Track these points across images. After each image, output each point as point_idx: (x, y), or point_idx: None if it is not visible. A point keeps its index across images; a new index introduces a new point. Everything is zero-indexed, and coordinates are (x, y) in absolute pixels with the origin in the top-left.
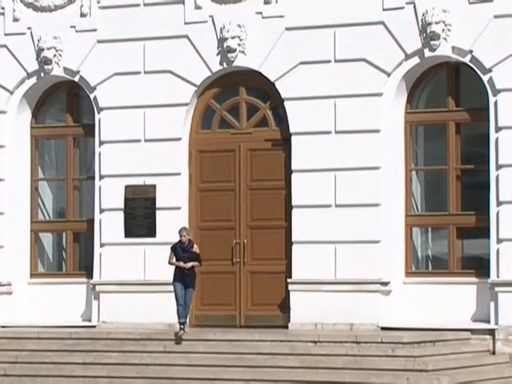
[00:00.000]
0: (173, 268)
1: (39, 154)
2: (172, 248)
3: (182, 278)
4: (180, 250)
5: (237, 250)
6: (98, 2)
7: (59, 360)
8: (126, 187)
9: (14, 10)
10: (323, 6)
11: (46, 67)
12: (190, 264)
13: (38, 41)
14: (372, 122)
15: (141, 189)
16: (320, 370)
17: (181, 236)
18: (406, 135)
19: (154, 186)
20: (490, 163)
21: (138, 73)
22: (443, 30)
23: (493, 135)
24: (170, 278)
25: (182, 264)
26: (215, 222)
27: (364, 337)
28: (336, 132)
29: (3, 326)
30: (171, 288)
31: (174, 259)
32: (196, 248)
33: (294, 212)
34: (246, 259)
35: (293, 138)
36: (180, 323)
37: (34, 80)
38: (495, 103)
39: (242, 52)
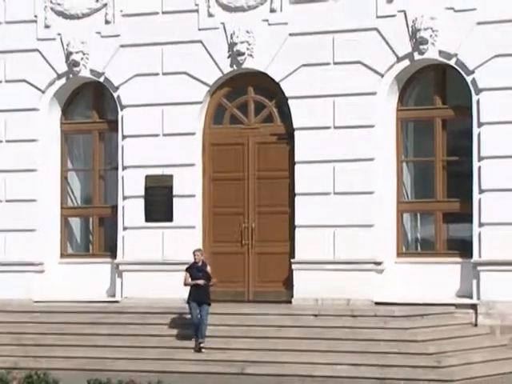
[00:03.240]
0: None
1: (68, 147)
2: (187, 269)
3: (197, 297)
4: (195, 270)
5: (245, 233)
6: (121, 11)
7: (86, 331)
8: (146, 177)
9: (46, 18)
10: (323, 15)
11: (74, 69)
12: (201, 281)
13: (67, 45)
14: (367, 119)
15: (159, 178)
16: (320, 341)
17: (195, 256)
18: (397, 130)
19: (171, 176)
20: (472, 155)
21: (157, 74)
22: (431, 36)
23: (475, 130)
24: (186, 258)
25: (198, 282)
26: (226, 208)
27: (360, 311)
28: (335, 127)
29: (36, 301)
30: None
31: (190, 279)
32: (209, 269)
33: (297, 199)
34: (254, 241)
35: (296, 133)
36: (199, 342)
37: (63, 81)
38: (477, 101)
39: (250, 55)
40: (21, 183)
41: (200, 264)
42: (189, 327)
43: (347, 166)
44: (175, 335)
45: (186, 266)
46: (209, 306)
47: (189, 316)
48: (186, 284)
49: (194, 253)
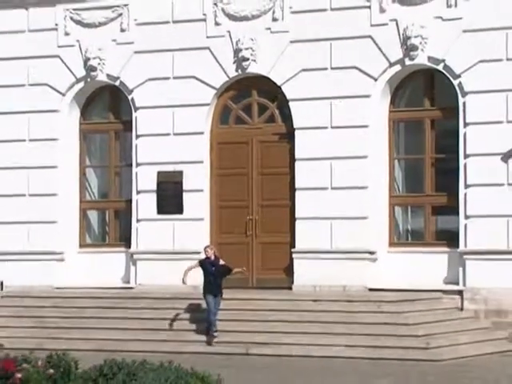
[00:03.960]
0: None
1: (86, 145)
2: (200, 262)
3: (212, 289)
4: (209, 265)
5: (249, 225)
6: (135, 20)
7: (103, 315)
8: (158, 173)
9: (66, 27)
10: (321, 23)
11: (91, 73)
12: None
13: (85, 52)
14: (361, 119)
15: (170, 174)
16: (318, 324)
17: (206, 252)
18: (389, 130)
19: (181, 172)
20: (458, 153)
21: (168, 78)
22: (420, 43)
23: (461, 130)
24: (195, 247)
25: (190, 266)
26: (232, 201)
27: (355, 296)
28: (332, 127)
29: (57, 288)
30: (196, 256)
31: (192, 267)
32: (222, 262)
33: (297, 193)
34: (257, 232)
35: (296, 132)
36: (214, 331)
37: (81, 84)
38: (464, 103)
39: (254, 61)
40: (43, 179)
41: (212, 258)
42: (197, 311)
43: (343, 163)
44: (185, 319)
45: (199, 260)
46: (221, 297)
47: (198, 301)
48: (185, 271)
49: (204, 249)
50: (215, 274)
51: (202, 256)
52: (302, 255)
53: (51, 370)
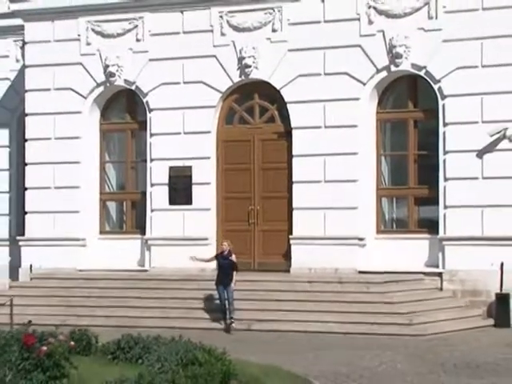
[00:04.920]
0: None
1: (106, 143)
2: (216, 256)
3: (222, 280)
4: (221, 259)
5: (251, 214)
6: (149, 31)
7: (121, 295)
8: (170, 168)
9: (87, 37)
10: (315, 34)
11: (110, 79)
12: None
13: (105, 59)
14: (352, 120)
15: (180, 169)
16: (313, 303)
17: (222, 246)
18: (376, 129)
19: (190, 167)
20: (439, 150)
21: (179, 83)
22: (404, 51)
23: (441, 129)
24: (202, 234)
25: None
26: (236, 193)
27: (346, 278)
28: (325, 127)
29: (80, 270)
30: (203, 242)
31: (206, 259)
32: (234, 257)
33: (294, 186)
34: (259, 221)
35: (293, 132)
36: (230, 318)
37: (101, 88)
38: (443, 106)
39: (256, 67)
40: (67, 173)
41: (226, 253)
42: (206, 291)
43: (335, 159)
44: (194, 297)
45: (215, 254)
46: (233, 285)
47: (205, 282)
48: (206, 260)
49: (222, 244)
50: (225, 267)
51: (209, 242)
52: (299, 241)
53: (73, 343)
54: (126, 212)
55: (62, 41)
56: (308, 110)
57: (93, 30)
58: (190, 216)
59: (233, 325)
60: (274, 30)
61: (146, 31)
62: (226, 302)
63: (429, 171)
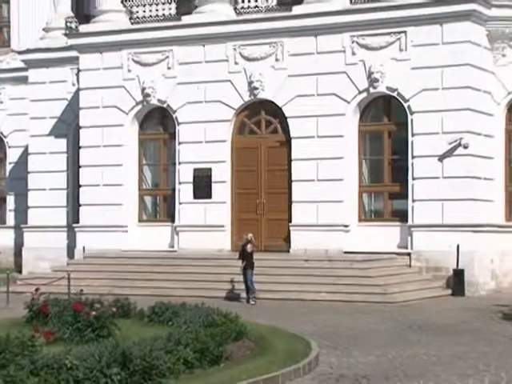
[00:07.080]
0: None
1: (143, 149)
2: (243, 245)
3: (245, 265)
4: (241, 248)
5: (259, 206)
6: (178, 60)
7: (155, 270)
8: (194, 169)
9: (129, 66)
10: (310, 63)
11: (147, 99)
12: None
13: (142, 83)
14: (339, 131)
15: (203, 170)
16: (308, 277)
17: (247, 237)
18: (359, 138)
19: (210, 169)
20: (408, 155)
21: (201, 102)
22: (381, 77)
23: (410, 139)
24: (221, 223)
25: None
26: (246, 189)
27: (334, 257)
28: (318, 137)
29: (123, 250)
30: (221, 229)
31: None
32: (248, 247)
33: (293, 184)
34: (265, 212)
35: (292, 141)
36: (253, 297)
37: (140, 106)
38: (411, 120)
39: (262, 89)
40: (112, 173)
41: (244, 242)
42: (223, 267)
43: (326, 162)
44: (213, 273)
45: (242, 243)
46: (252, 270)
47: (223, 261)
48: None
49: (245, 235)
50: (245, 255)
51: (225, 229)
52: (297, 228)
53: (114, 309)
54: (159, 204)
55: (108, 69)
56: (304, 123)
57: (133, 59)
58: (210, 208)
59: (251, 301)
60: (277, 60)
61: (175, 61)
62: (250, 283)
63: (400, 172)
